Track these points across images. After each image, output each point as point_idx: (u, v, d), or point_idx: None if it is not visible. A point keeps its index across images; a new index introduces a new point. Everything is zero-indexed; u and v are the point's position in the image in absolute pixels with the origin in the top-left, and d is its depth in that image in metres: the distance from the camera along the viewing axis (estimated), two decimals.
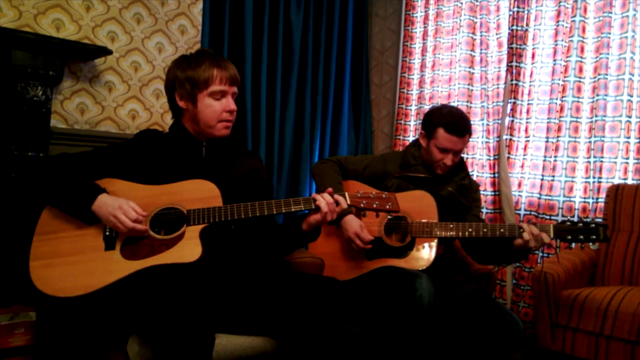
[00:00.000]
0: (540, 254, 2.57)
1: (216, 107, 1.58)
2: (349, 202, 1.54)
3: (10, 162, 2.00)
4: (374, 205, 1.55)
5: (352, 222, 1.93)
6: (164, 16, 2.50)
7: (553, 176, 2.55)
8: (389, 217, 1.96)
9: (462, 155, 2.09)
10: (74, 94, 2.25)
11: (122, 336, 1.51)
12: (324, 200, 1.50)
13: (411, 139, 3.12)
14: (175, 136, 1.66)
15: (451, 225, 1.86)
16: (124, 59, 2.38)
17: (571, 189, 2.52)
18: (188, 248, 1.43)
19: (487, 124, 2.80)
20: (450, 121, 1.96)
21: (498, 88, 2.79)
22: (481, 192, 2.38)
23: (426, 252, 1.87)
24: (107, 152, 1.60)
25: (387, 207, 1.56)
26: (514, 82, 2.71)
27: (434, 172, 2.04)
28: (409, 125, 3.16)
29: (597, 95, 2.45)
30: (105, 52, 2.17)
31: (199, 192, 1.51)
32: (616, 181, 2.42)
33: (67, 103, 2.24)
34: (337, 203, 1.52)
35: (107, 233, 1.47)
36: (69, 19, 2.22)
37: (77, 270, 1.43)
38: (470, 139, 2.85)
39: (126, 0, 2.37)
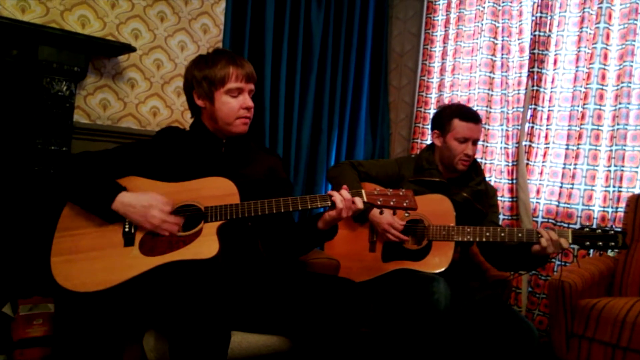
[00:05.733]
0: (558, 263, 2.54)
1: (233, 104, 1.60)
2: (365, 199, 1.54)
3: (34, 155, 2.03)
4: (391, 203, 1.54)
5: (380, 214, 1.93)
6: (187, 15, 2.53)
7: (572, 184, 2.52)
8: (406, 216, 1.96)
9: (479, 160, 2.09)
10: (97, 90, 2.29)
11: (138, 330, 1.53)
12: (339, 196, 1.50)
13: (429, 142, 3.10)
14: (196, 134, 1.68)
15: (468, 230, 1.85)
16: (146, 57, 2.41)
17: (590, 198, 2.49)
18: (205, 244, 1.45)
19: (507, 130, 2.78)
20: (462, 111, 2.04)
21: (519, 94, 2.77)
22: (498, 198, 2.36)
23: (442, 256, 1.87)
24: (129, 150, 1.63)
25: (405, 204, 1.55)
26: (535, 88, 2.68)
27: (456, 170, 2.04)
28: (427, 128, 3.14)
29: (620, 103, 2.42)
30: (129, 49, 2.19)
31: (217, 190, 1.53)
32: (637, 191, 2.38)
33: (90, 99, 2.27)
34: (353, 202, 1.52)
35: (127, 229, 1.49)
36: (95, 16, 2.26)
37: (97, 265, 1.45)
38: (489, 144, 2.85)
39: None
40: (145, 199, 1.47)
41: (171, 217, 1.47)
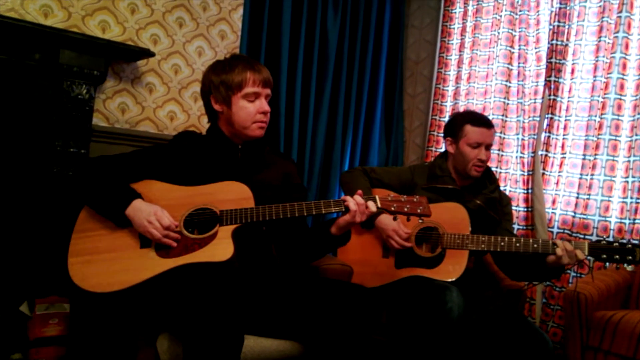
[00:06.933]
0: (573, 274, 2.51)
1: (250, 109, 1.61)
2: (379, 205, 1.54)
3: (53, 157, 2.07)
4: (405, 209, 1.54)
5: (387, 221, 1.94)
6: (205, 21, 2.56)
7: (589, 195, 2.49)
8: (420, 223, 1.95)
9: (494, 169, 2.07)
10: (116, 94, 2.32)
11: (152, 332, 1.55)
12: (353, 200, 1.51)
13: (443, 150, 3.09)
14: (212, 139, 1.70)
15: (483, 239, 1.84)
16: (165, 62, 2.45)
17: (607, 209, 2.45)
18: (220, 247, 1.46)
19: (523, 139, 2.76)
20: (474, 117, 2.08)
21: (535, 103, 2.75)
22: (513, 208, 2.34)
23: (456, 265, 1.85)
24: (146, 154, 1.65)
25: (419, 210, 1.54)
26: (552, 97, 2.67)
27: (470, 176, 2.04)
28: (442, 136, 3.13)
29: (638, 113, 2.39)
30: (148, 54, 2.23)
31: (232, 194, 1.54)
32: None
33: (109, 102, 2.31)
34: (366, 207, 1.52)
35: None
36: (115, 21, 2.30)
37: (113, 267, 1.47)
38: (505, 154, 2.83)
39: (170, 4, 2.44)
40: (150, 211, 1.48)
41: (171, 233, 1.48)
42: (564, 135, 2.65)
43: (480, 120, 2.05)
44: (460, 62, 3.10)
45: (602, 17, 2.52)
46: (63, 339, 1.87)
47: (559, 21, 2.66)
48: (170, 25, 2.45)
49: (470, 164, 2.02)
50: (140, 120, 2.40)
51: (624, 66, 2.44)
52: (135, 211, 1.48)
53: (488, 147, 2.03)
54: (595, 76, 2.54)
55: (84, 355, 1.65)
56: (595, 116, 2.52)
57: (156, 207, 1.50)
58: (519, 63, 2.82)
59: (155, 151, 1.67)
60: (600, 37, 2.52)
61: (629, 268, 2.31)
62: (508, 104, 2.85)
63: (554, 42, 2.66)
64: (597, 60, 2.53)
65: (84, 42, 2.05)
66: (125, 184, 1.56)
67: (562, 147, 2.65)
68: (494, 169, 2.79)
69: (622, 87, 2.44)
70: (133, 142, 2.27)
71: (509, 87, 2.85)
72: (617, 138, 2.45)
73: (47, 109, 2.08)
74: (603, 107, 2.48)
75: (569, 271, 2.52)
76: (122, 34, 2.32)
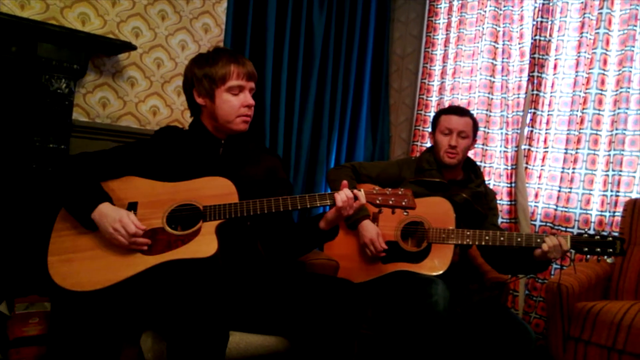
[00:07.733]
0: (555, 266, 2.55)
1: (234, 102, 1.59)
2: (364, 198, 1.54)
3: (32, 153, 2.02)
4: (390, 202, 1.54)
5: (369, 228, 1.94)
6: (188, 14, 2.52)
7: (570, 188, 2.53)
8: (405, 216, 1.96)
9: (478, 163, 2.09)
10: (97, 88, 2.28)
11: (136, 330, 1.53)
12: (341, 194, 1.50)
13: (429, 145, 3.10)
14: (195, 134, 1.67)
15: (468, 233, 1.85)
16: (147, 55, 2.41)
17: (588, 202, 2.50)
18: (204, 243, 1.44)
19: (506, 133, 2.79)
20: (448, 107, 2.17)
21: (518, 98, 2.78)
22: (497, 202, 2.37)
23: (442, 259, 1.87)
24: (127, 150, 1.62)
25: (403, 203, 1.54)
26: (534, 92, 2.69)
27: (445, 164, 2.05)
28: (427, 131, 3.15)
29: (619, 108, 2.43)
30: (129, 47, 2.18)
31: (216, 189, 1.53)
32: (634, 195, 2.40)
33: (90, 97, 2.27)
34: (355, 198, 1.51)
35: None
36: (95, 14, 2.25)
37: (95, 265, 1.44)
38: (489, 148, 2.85)
39: None
40: (115, 217, 1.43)
41: (139, 239, 1.44)
42: (546, 129, 2.68)
43: (452, 109, 2.13)
44: (445, 57, 3.11)
45: (584, 14, 2.54)
46: (44, 339, 1.84)
47: (542, 17, 2.68)
48: (152, 18, 2.41)
49: (442, 150, 2.05)
50: (121, 115, 2.36)
51: (605, 62, 2.47)
52: (102, 217, 1.43)
53: (460, 134, 2.04)
54: (577, 71, 2.57)
55: (66, 355, 1.62)
56: (577, 111, 2.55)
57: (122, 212, 1.45)
58: (503, 58, 2.84)
59: (137, 147, 1.64)
60: (582, 33, 2.55)
61: (610, 260, 2.37)
62: (492, 99, 2.87)
63: (537, 37, 2.68)
64: (579, 56, 2.56)
65: (63, 34, 2.00)
66: (96, 186, 1.51)
67: (545, 141, 2.68)
68: (478, 164, 2.81)
69: (603, 82, 2.47)
70: (114, 137, 2.23)
71: (493, 82, 2.87)
72: (598, 132, 2.48)
73: (26, 104, 2.03)
74: (584, 102, 2.51)
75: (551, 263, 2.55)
76: (103, 26, 2.27)
